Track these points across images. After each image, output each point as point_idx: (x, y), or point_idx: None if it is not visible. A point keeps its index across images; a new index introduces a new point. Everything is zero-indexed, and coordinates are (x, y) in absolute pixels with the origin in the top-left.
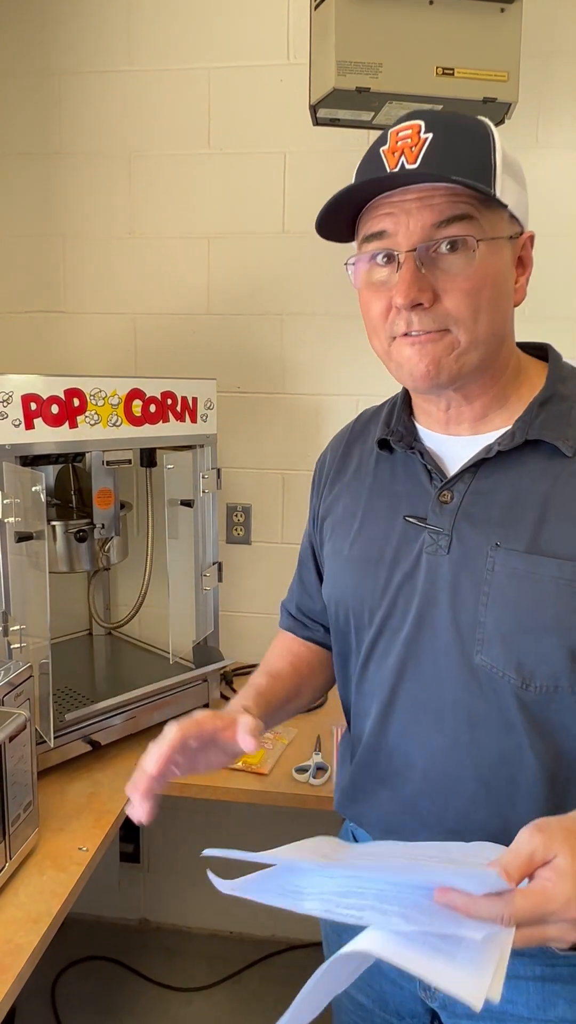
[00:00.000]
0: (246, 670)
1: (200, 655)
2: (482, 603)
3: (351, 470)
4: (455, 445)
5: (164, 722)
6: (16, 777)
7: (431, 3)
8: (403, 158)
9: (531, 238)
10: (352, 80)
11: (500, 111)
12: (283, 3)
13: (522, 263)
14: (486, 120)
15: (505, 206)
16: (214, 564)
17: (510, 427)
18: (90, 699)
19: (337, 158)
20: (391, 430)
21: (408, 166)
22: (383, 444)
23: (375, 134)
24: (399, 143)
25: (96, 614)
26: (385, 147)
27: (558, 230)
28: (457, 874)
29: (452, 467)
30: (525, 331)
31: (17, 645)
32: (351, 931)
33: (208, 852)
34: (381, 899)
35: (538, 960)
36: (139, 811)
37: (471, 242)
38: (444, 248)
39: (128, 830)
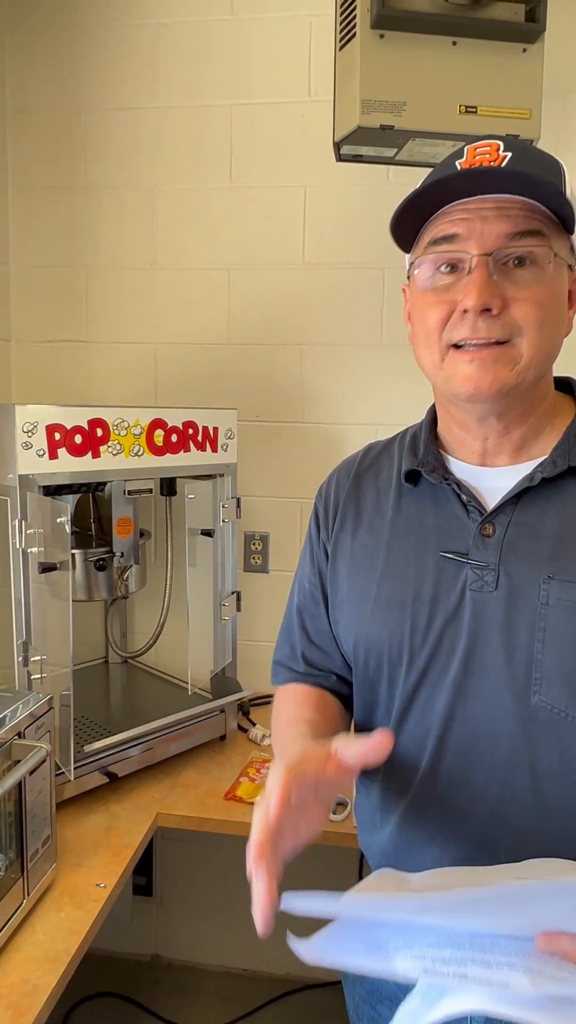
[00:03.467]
0: (263, 700)
1: (217, 685)
2: (538, 639)
3: (368, 505)
4: (491, 476)
5: (180, 754)
6: (36, 811)
7: (454, 43)
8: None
9: None
10: (376, 118)
11: None
12: (304, 42)
13: (571, 297)
14: (559, 159)
15: (572, 232)
16: (233, 593)
17: (548, 456)
18: (107, 729)
19: (356, 192)
20: (421, 460)
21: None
22: (410, 476)
23: (396, 170)
24: (477, 156)
25: (113, 642)
26: (462, 160)
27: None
28: (553, 892)
29: (489, 499)
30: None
31: (37, 676)
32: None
33: (288, 900)
34: (480, 948)
35: None
36: (263, 905)
37: (544, 256)
38: (514, 262)
39: (141, 862)
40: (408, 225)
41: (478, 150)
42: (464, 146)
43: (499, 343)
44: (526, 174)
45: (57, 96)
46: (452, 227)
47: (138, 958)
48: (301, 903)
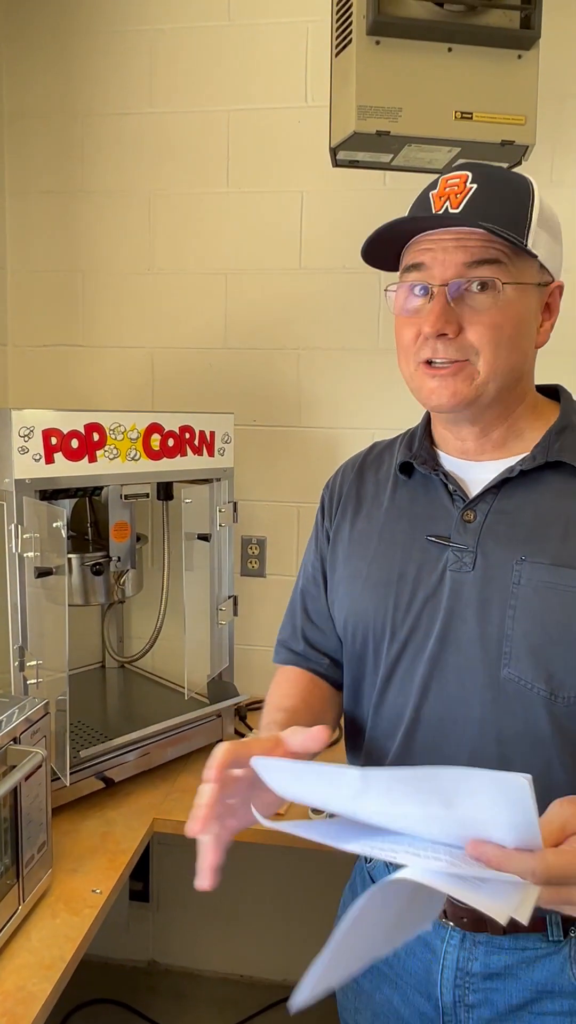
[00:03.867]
0: (260, 705)
1: (214, 690)
2: (509, 616)
3: (368, 495)
4: (476, 469)
5: (177, 759)
6: (31, 816)
7: (450, 50)
8: (448, 203)
9: (560, 288)
10: (372, 124)
11: (517, 153)
12: (301, 48)
13: (548, 309)
14: (531, 180)
15: (535, 256)
16: (230, 598)
17: (529, 452)
18: (103, 734)
19: (353, 197)
20: (414, 454)
21: (451, 211)
22: (404, 468)
23: (392, 175)
24: (447, 189)
25: (110, 647)
26: (435, 191)
27: (571, 265)
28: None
29: (473, 488)
30: (543, 365)
31: (33, 681)
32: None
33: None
34: (415, 846)
35: (567, 996)
36: (208, 858)
37: (497, 284)
38: (475, 287)
39: (138, 867)
40: (384, 253)
41: (449, 181)
42: (438, 177)
43: (458, 361)
44: (482, 210)
45: (55, 101)
46: (420, 256)
47: (135, 964)
48: (265, 766)
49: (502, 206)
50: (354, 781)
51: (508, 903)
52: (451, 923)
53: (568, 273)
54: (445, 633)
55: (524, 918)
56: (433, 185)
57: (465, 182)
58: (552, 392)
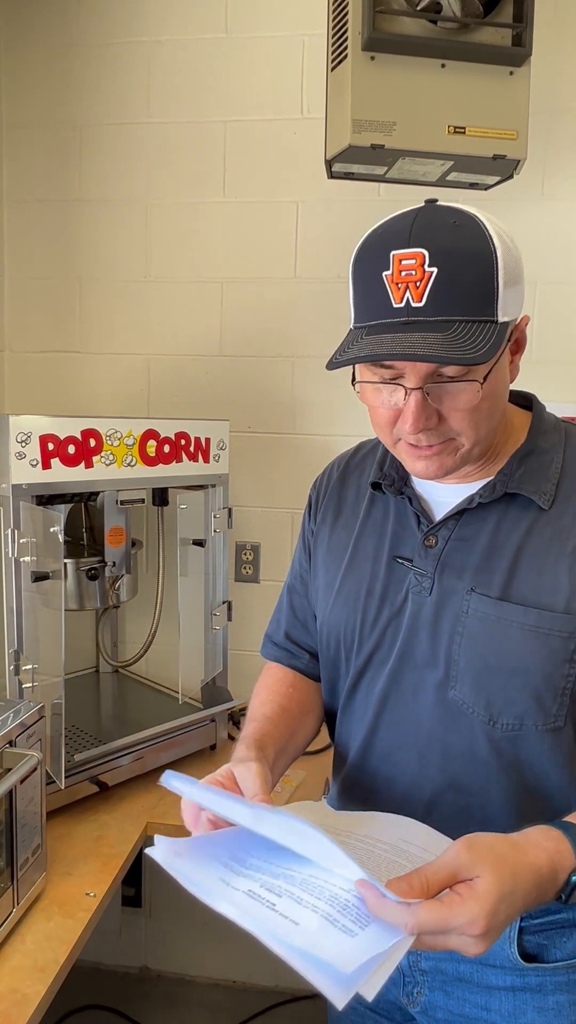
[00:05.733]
0: None
1: (208, 694)
2: (456, 643)
3: (348, 502)
4: (445, 492)
5: (171, 763)
6: (26, 820)
7: (443, 66)
8: (409, 294)
9: (527, 322)
10: (367, 137)
11: (509, 167)
12: (297, 61)
13: (518, 344)
14: (488, 230)
15: (507, 324)
16: (224, 603)
17: (492, 479)
18: (97, 738)
19: (348, 208)
20: (384, 474)
21: (414, 304)
22: (375, 486)
23: (387, 186)
24: (403, 273)
25: (104, 652)
26: (388, 273)
27: (563, 277)
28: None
29: (439, 512)
30: (532, 373)
31: (29, 684)
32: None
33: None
34: (303, 887)
35: (508, 971)
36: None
37: (475, 384)
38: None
39: (130, 873)
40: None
41: (403, 263)
42: (391, 253)
43: (443, 442)
44: (448, 300)
45: (53, 111)
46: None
47: (127, 970)
48: (179, 782)
49: (467, 290)
50: (247, 820)
51: (359, 975)
52: None
53: (555, 285)
54: (404, 651)
55: (371, 995)
56: (384, 263)
57: (422, 265)
58: (526, 399)
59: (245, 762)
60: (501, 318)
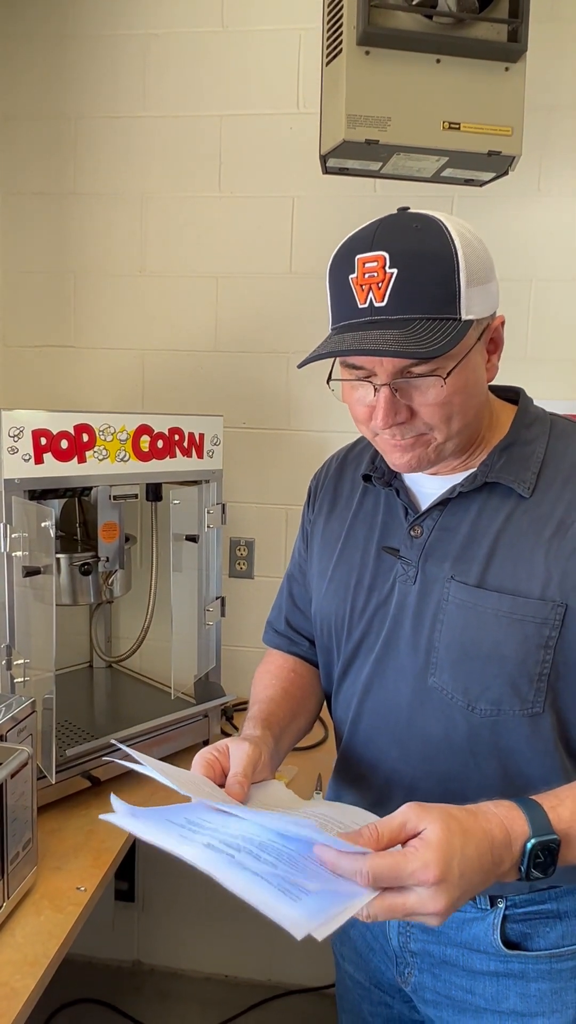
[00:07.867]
0: (246, 705)
1: (201, 690)
2: (437, 630)
3: (343, 494)
4: (432, 484)
5: (163, 758)
6: (16, 814)
7: (438, 61)
8: (371, 295)
9: (502, 322)
10: (362, 133)
11: (504, 163)
12: (293, 55)
13: (494, 343)
14: (449, 231)
15: (471, 320)
16: (217, 599)
17: (475, 469)
18: (90, 733)
19: (343, 203)
20: (375, 467)
21: (376, 304)
22: (366, 477)
23: (382, 182)
24: (367, 275)
25: (97, 647)
26: (353, 276)
27: (558, 275)
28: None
29: (425, 503)
30: (528, 371)
31: (20, 679)
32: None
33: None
34: (261, 847)
35: (492, 957)
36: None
37: (440, 380)
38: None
39: (123, 867)
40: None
41: (366, 265)
42: (355, 257)
43: (416, 436)
44: (409, 299)
45: (47, 104)
46: (357, 358)
47: (119, 964)
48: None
49: (428, 289)
50: (215, 818)
51: (314, 918)
52: None
53: (551, 283)
54: (389, 639)
55: (322, 936)
56: (349, 266)
57: (383, 267)
58: (514, 393)
59: (241, 742)
60: (465, 316)
